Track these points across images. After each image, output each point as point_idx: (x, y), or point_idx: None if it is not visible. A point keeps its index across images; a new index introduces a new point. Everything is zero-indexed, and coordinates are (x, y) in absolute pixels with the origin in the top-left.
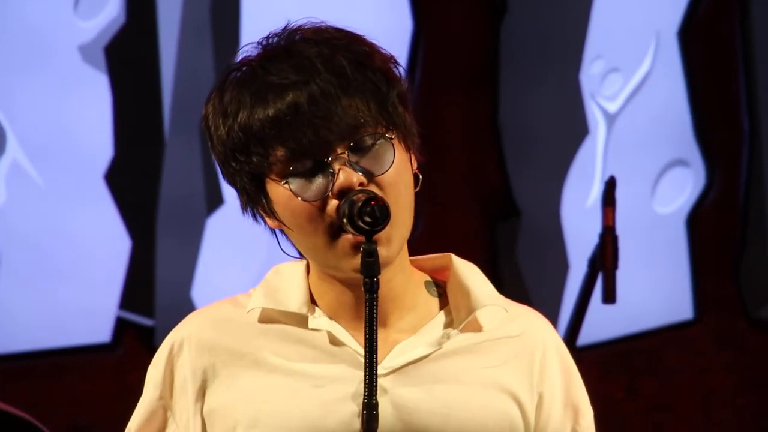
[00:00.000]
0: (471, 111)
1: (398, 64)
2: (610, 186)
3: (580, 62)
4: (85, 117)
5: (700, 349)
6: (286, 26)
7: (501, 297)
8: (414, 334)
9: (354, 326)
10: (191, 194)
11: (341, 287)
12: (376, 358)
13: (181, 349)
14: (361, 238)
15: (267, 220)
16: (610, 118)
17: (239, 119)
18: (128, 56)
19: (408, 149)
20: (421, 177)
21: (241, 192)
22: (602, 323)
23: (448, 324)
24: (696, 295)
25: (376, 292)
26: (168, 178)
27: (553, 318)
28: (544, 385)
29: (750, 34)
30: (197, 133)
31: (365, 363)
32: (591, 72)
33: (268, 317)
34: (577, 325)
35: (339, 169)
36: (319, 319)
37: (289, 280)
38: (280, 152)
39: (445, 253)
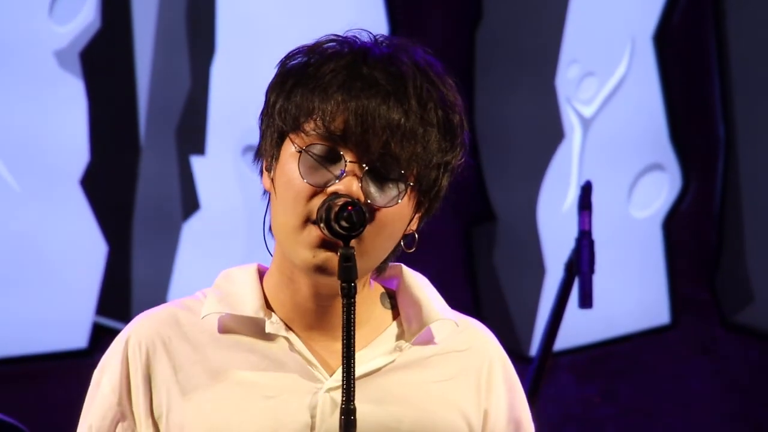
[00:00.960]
0: None
1: (467, 135)
2: (587, 190)
3: (556, 67)
4: (61, 122)
5: (676, 354)
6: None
7: (451, 310)
8: (366, 346)
9: (308, 336)
10: (167, 199)
11: (298, 289)
12: (354, 363)
13: (135, 353)
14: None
15: (264, 179)
16: (586, 123)
17: (313, 89)
18: (104, 61)
19: (418, 210)
20: (417, 238)
21: (264, 138)
22: (579, 328)
23: (400, 335)
24: (672, 300)
25: (354, 297)
26: (144, 183)
27: (529, 322)
28: (490, 401)
29: (725, 39)
30: (173, 137)
31: (343, 368)
32: (567, 76)
33: (221, 324)
34: (553, 330)
35: (348, 174)
36: (276, 324)
37: (241, 284)
38: (316, 125)
39: (397, 263)
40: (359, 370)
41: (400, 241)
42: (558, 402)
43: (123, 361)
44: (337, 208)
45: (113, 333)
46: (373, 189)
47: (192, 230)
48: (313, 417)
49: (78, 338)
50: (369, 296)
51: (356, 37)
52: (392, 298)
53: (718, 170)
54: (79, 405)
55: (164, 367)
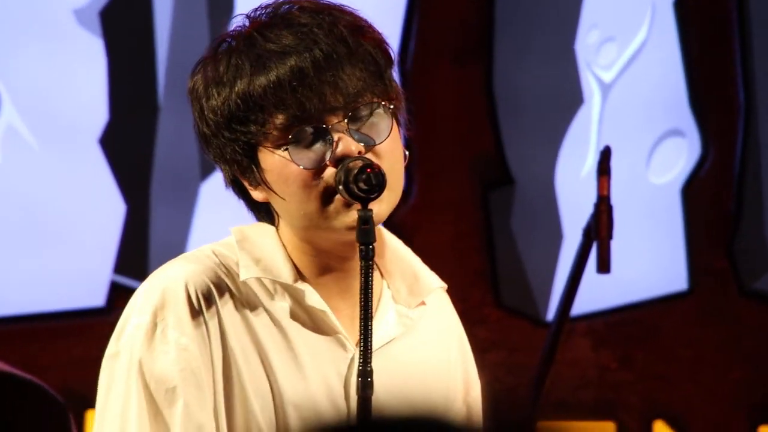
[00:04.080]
0: (465, 80)
1: (389, 45)
2: (605, 155)
3: (576, 32)
4: (80, 81)
5: (693, 320)
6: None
7: (432, 273)
8: (375, 315)
9: (332, 303)
10: (185, 159)
11: (325, 261)
12: (371, 326)
13: (201, 301)
14: (349, 199)
15: (253, 193)
16: (606, 88)
17: (237, 87)
18: (123, 21)
19: (398, 123)
20: (407, 153)
21: (230, 163)
22: (596, 293)
23: (394, 299)
24: (690, 266)
25: (372, 260)
26: (162, 144)
27: (546, 287)
28: (464, 355)
29: (745, 4)
30: None
31: (360, 331)
32: (586, 41)
33: (258, 288)
34: (571, 295)
35: (339, 138)
36: (314, 296)
37: (267, 249)
38: (280, 119)
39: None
40: (376, 342)
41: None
42: (574, 367)
43: (189, 307)
44: (356, 170)
45: (131, 291)
46: (366, 132)
47: (210, 190)
48: (346, 386)
49: (96, 296)
50: None
51: (237, 30)
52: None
53: (737, 136)
54: (97, 363)
55: (218, 316)
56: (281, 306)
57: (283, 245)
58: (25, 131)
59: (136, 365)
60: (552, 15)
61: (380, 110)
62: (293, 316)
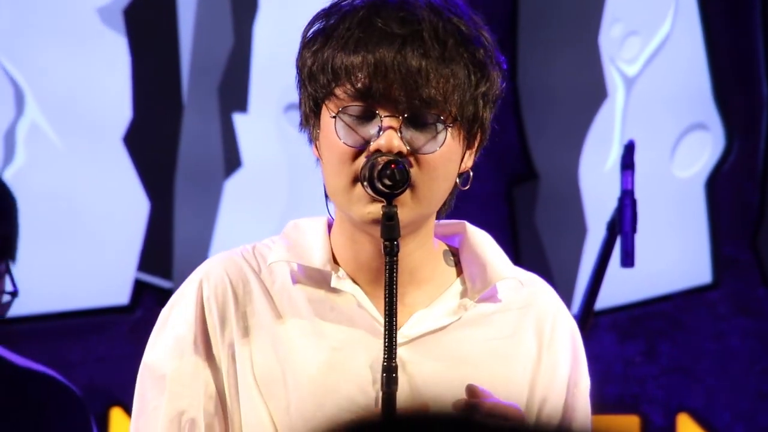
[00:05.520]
0: None
1: (501, 63)
2: (629, 149)
3: (599, 25)
4: (104, 79)
5: (718, 314)
6: None
7: (515, 267)
8: (431, 303)
9: (372, 291)
10: (210, 156)
11: (361, 247)
12: (396, 321)
13: (210, 294)
14: (374, 195)
15: (312, 148)
16: (629, 82)
17: (331, 50)
18: (147, 19)
19: (467, 146)
20: (471, 175)
21: (304, 114)
22: (620, 287)
23: (464, 293)
24: (714, 259)
25: (396, 255)
26: (186, 140)
27: (570, 281)
28: (552, 356)
29: None
30: (216, 95)
31: (385, 326)
32: (610, 35)
33: (290, 273)
34: (595, 289)
35: (387, 129)
36: (343, 281)
37: (310, 235)
38: (347, 88)
39: (460, 221)
40: (424, 328)
41: (456, 182)
42: (599, 361)
43: (198, 302)
44: (380, 167)
45: (155, 290)
46: (414, 138)
47: (234, 187)
48: (376, 372)
49: (120, 295)
50: (432, 253)
51: None
52: (455, 255)
53: (761, 130)
54: (120, 361)
55: (237, 310)
56: (309, 291)
57: (328, 234)
58: (49, 130)
59: (143, 364)
60: (575, 9)
61: (441, 126)
62: (322, 300)
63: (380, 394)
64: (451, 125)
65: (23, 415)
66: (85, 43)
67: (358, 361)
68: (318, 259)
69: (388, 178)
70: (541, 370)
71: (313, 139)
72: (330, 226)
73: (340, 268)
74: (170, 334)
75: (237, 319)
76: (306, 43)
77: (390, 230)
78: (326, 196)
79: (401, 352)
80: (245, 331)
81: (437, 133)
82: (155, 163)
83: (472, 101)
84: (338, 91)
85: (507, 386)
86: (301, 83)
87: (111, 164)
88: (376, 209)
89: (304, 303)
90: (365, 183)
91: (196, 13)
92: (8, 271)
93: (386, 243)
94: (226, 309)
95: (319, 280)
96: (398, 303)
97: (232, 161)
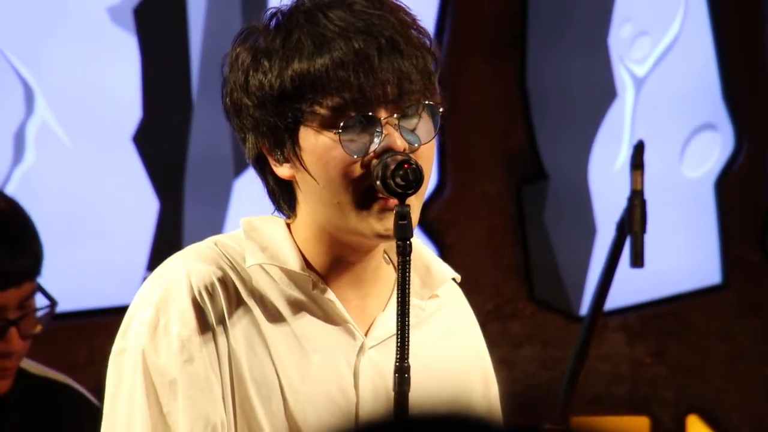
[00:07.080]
0: (499, 74)
1: (436, 47)
2: (639, 150)
3: (609, 25)
4: (114, 78)
5: (727, 314)
6: None
7: (444, 264)
8: (385, 306)
9: (340, 293)
10: (219, 155)
11: (339, 252)
12: (408, 321)
13: (203, 293)
14: (390, 203)
15: (278, 169)
16: (639, 82)
17: (295, 63)
18: (157, 18)
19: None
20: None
21: (263, 136)
22: (630, 287)
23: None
24: (724, 260)
25: (409, 255)
26: (196, 140)
27: (580, 282)
28: (478, 347)
29: None
30: None
31: (398, 326)
32: (620, 35)
33: (265, 275)
34: (604, 289)
35: (387, 131)
36: (323, 286)
37: (275, 239)
38: (335, 101)
39: None
40: (386, 332)
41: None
42: (608, 361)
43: (192, 301)
44: (394, 165)
45: None
46: (413, 131)
47: (243, 187)
48: (356, 375)
49: (129, 294)
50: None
51: (294, 4)
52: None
53: None
54: None
55: (227, 308)
56: (287, 294)
57: (292, 236)
58: (58, 129)
59: (140, 360)
60: (585, 9)
61: (427, 112)
62: (300, 304)
63: (358, 393)
64: (438, 111)
65: (39, 423)
66: (95, 42)
67: (336, 363)
68: (293, 261)
69: (401, 178)
70: (483, 362)
71: (280, 161)
72: (289, 228)
73: (314, 273)
74: (173, 336)
75: (228, 318)
76: (255, 66)
77: (403, 230)
78: (281, 204)
79: (372, 354)
80: (235, 332)
81: (427, 121)
82: (165, 162)
83: (436, 81)
84: (322, 107)
85: (463, 380)
86: (264, 108)
87: (120, 163)
88: (386, 225)
89: (283, 305)
90: (378, 182)
91: (207, 12)
92: (39, 288)
93: (399, 243)
94: (218, 307)
95: (295, 283)
96: (359, 303)
97: (242, 160)
